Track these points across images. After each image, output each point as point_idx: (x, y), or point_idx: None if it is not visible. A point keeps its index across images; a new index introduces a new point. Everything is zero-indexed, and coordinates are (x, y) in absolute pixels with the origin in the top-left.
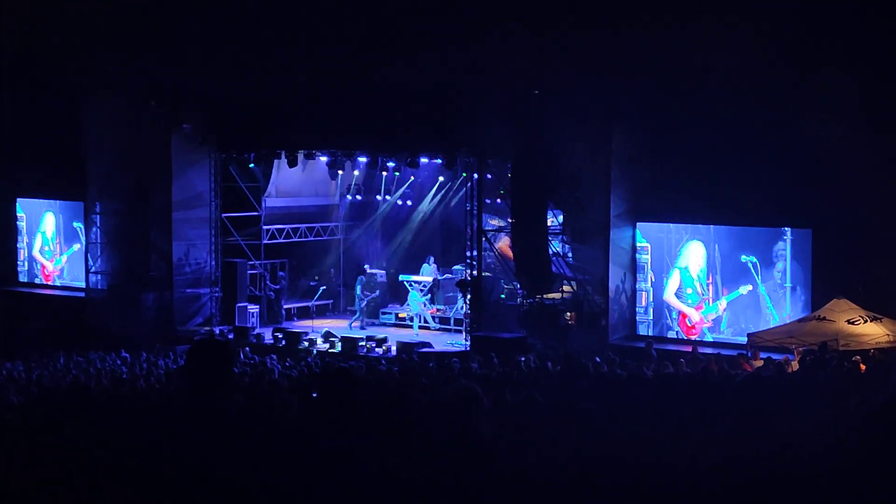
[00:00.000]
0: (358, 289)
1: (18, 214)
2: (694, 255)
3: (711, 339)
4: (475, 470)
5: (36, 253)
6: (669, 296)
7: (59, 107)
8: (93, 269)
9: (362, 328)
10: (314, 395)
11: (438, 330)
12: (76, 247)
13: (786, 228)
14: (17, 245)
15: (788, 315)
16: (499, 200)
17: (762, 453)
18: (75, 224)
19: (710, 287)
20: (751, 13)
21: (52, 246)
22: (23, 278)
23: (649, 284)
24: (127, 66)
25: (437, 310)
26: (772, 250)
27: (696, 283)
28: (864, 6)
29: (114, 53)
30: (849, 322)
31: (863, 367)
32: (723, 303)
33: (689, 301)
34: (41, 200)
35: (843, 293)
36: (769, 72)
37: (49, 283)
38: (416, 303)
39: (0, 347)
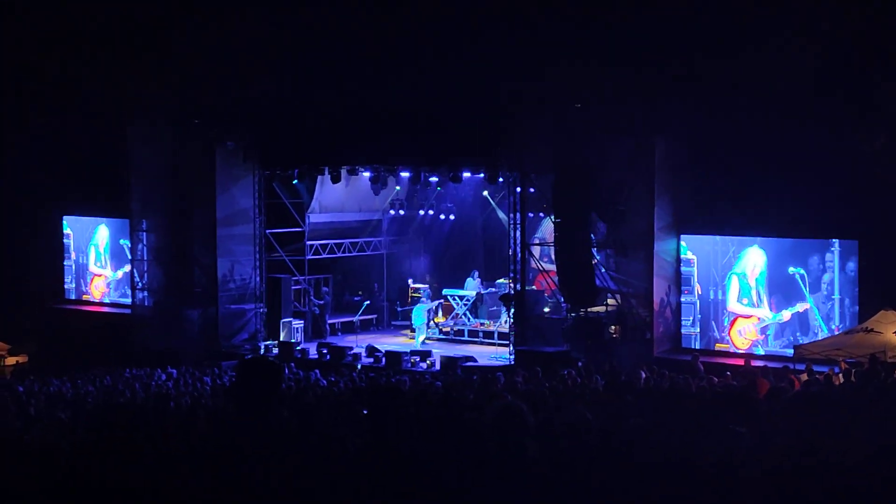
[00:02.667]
0: (428, 301)
1: (65, 232)
2: (753, 260)
3: (762, 353)
4: (521, 491)
5: (92, 266)
6: (732, 303)
7: (104, 125)
8: (138, 286)
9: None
10: (364, 411)
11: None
12: (126, 268)
13: (833, 240)
14: (64, 262)
15: (837, 327)
16: (542, 214)
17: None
18: (121, 241)
19: (767, 294)
20: (794, 27)
21: (104, 260)
22: (70, 296)
23: (696, 297)
24: (171, 86)
25: (481, 324)
26: (821, 262)
27: (752, 292)
28: None
29: (158, 73)
30: None
31: None
32: (787, 314)
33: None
34: (88, 218)
35: (891, 304)
36: (813, 84)
37: (98, 299)
38: (422, 314)
39: (48, 364)
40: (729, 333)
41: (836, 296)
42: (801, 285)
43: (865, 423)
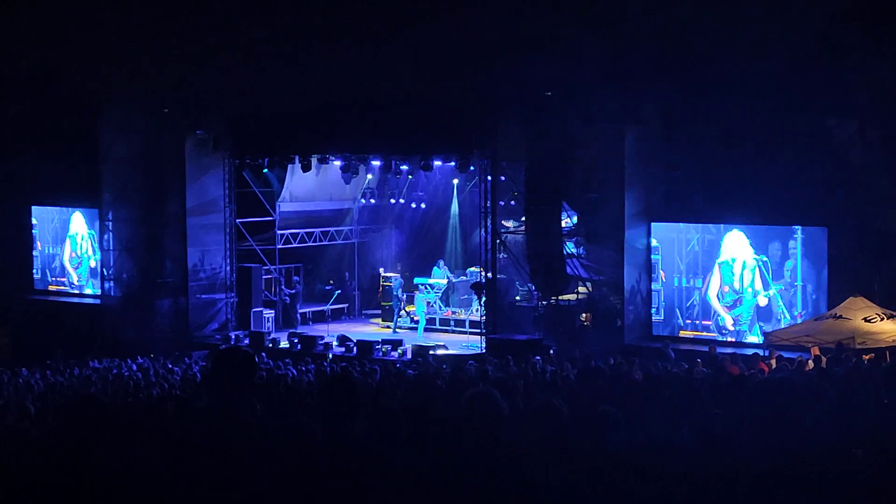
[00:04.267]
0: (398, 291)
1: (33, 222)
2: (734, 245)
3: (731, 340)
4: (495, 481)
5: (66, 262)
6: (712, 298)
7: (73, 114)
8: (108, 277)
9: (394, 331)
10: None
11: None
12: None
13: (796, 227)
14: (32, 252)
15: (800, 314)
16: (512, 202)
17: (783, 456)
18: (89, 232)
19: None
20: (762, 14)
21: (80, 250)
22: (38, 286)
23: (660, 284)
24: (141, 74)
25: (452, 312)
26: (783, 248)
27: (734, 279)
28: (878, 5)
29: (128, 61)
30: (865, 320)
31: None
32: (763, 299)
33: (727, 301)
34: (56, 208)
35: (859, 291)
36: (782, 72)
37: (65, 290)
38: (422, 303)
39: (17, 355)
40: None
41: (799, 283)
42: (764, 272)
43: (834, 408)
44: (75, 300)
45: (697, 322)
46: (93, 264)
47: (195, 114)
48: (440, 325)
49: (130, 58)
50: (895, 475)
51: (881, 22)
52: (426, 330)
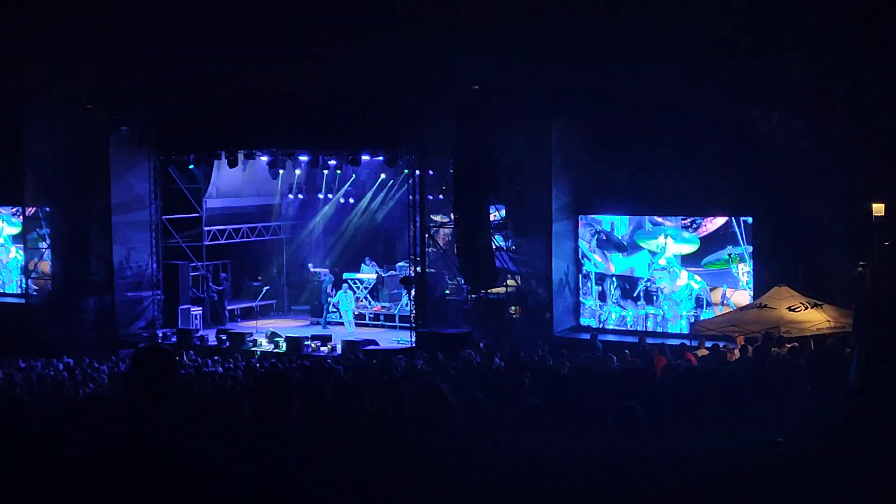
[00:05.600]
0: (328, 287)
1: None
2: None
3: (660, 331)
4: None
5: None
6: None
7: None
8: (32, 276)
9: (324, 326)
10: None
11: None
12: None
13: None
14: None
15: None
16: (441, 196)
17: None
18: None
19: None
20: (688, 5)
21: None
22: None
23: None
24: (63, 70)
25: (382, 307)
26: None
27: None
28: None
29: (50, 57)
30: (790, 309)
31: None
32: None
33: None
34: None
35: (784, 281)
36: (708, 62)
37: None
38: (347, 301)
39: None
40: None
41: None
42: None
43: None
44: None
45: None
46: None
47: (119, 110)
48: (370, 320)
49: (52, 55)
50: (816, 462)
51: (797, 15)
52: (356, 325)
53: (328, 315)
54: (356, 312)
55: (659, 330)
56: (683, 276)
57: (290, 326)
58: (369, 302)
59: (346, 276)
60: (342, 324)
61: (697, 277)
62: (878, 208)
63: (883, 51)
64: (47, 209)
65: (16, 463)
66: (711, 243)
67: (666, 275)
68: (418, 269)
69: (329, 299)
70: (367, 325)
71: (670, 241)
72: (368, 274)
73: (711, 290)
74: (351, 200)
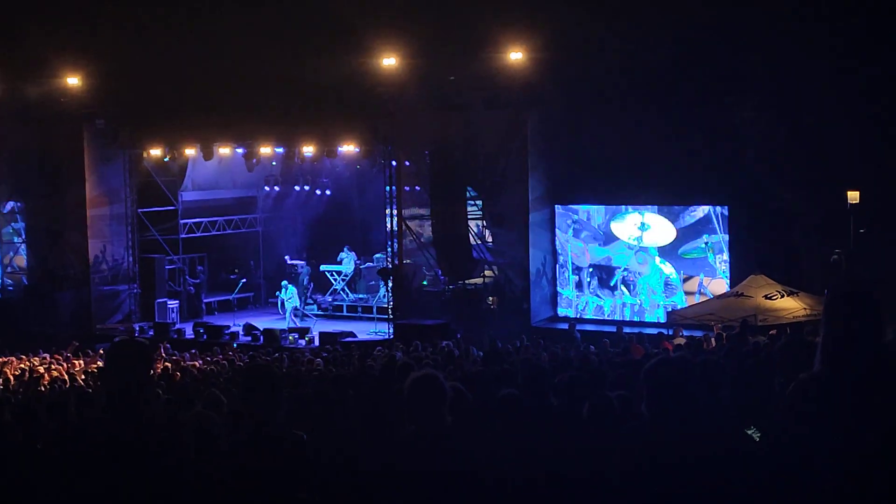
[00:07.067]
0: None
1: None
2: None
3: (636, 319)
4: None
5: None
6: None
7: None
8: (8, 270)
9: (302, 319)
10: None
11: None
12: None
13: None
14: None
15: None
16: (418, 187)
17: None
18: None
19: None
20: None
21: None
22: None
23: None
24: (37, 63)
25: (359, 298)
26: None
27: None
28: None
29: (23, 50)
30: (766, 297)
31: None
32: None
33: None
34: None
35: (760, 269)
36: (684, 53)
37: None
38: (293, 294)
39: None
40: None
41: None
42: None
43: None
44: None
45: None
46: None
47: (93, 103)
48: (348, 311)
49: (27, 46)
50: (787, 453)
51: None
52: (334, 318)
53: (305, 307)
54: (334, 304)
55: (636, 319)
56: (655, 261)
57: (267, 319)
58: (346, 294)
59: (322, 268)
60: (320, 315)
61: (669, 264)
62: (854, 196)
63: (857, 40)
64: (21, 204)
65: None
66: (688, 232)
67: (643, 256)
68: (395, 260)
69: (305, 291)
70: (344, 317)
71: (648, 219)
72: (347, 264)
73: (687, 279)
74: (328, 192)
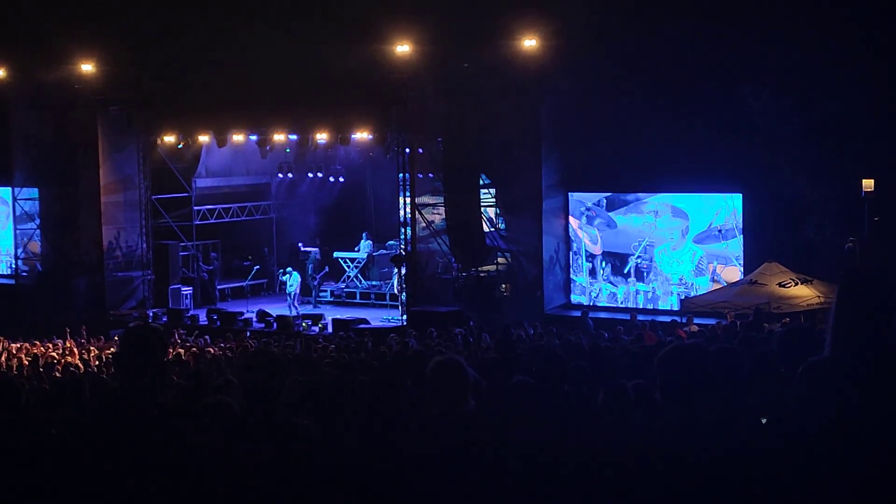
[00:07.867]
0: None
1: None
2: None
3: (650, 307)
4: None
5: None
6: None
7: None
8: (22, 256)
9: (314, 306)
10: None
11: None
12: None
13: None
14: None
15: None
16: (431, 175)
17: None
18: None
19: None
20: None
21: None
22: None
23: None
24: (51, 50)
25: (372, 285)
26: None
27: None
28: None
29: (38, 37)
30: (780, 285)
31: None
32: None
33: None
34: None
35: (774, 257)
36: (699, 40)
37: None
38: (296, 281)
39: None
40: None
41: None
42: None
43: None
44: None
45: None
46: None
47: (108, 90)
48: (361, 298)
49: (41, 33)
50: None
51: None
52: (347, 305)
53: (318, 295)
54: (347, 291)
55: (650, 307)
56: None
57: (280, 306)
58: (359, 281)
59: (336, 255)
60: (332, 303)
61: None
62: (868, 184)
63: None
64: (35, 190)
65: (7, 442)
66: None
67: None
68: (408, 247)
69: (313, 280)
70: (357, 305)
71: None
72: (361, 253)
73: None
74: (341, 179)
